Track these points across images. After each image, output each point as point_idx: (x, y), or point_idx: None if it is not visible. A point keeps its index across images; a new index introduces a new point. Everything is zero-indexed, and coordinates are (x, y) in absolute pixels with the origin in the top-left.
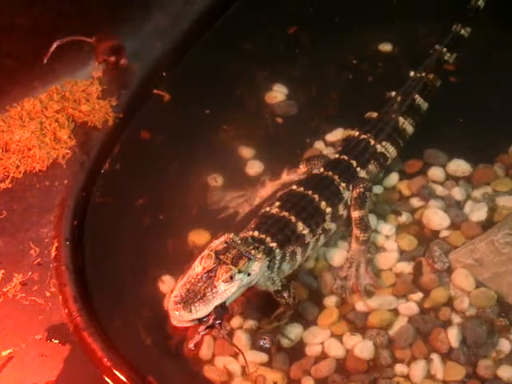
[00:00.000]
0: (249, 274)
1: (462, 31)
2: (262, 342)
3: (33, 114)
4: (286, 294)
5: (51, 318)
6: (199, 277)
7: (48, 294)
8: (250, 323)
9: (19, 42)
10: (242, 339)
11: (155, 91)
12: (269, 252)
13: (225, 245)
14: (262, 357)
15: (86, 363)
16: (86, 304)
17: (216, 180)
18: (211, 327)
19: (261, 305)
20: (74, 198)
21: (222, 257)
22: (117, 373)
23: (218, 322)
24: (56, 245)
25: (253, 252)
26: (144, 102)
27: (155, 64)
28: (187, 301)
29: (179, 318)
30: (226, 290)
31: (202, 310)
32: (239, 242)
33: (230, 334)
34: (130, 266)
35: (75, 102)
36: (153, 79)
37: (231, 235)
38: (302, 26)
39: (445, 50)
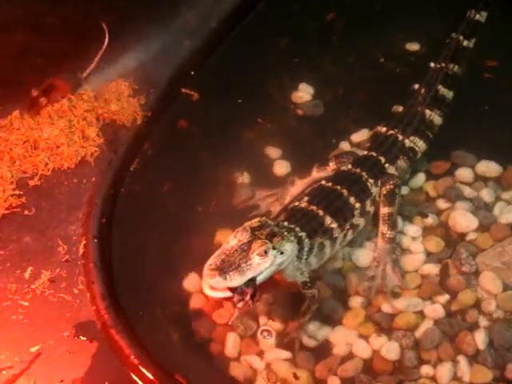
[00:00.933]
0: (281, 253)
1: (478, 16)
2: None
3: (61, 113)
4: (312, 286)
5: (79, 315)
6: (234, 249)
7: (76, 291)
8: (275, 323)
9: (49, 40)
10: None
11: (183, 90)
12: (298, 240)
13: (259, 223)
14: (287, 355)
15: (114, 360)
16: (114, 301)
17: (243, 178)
18: (242, 300)
19: (286, 305)
20: (102, 196)
21: (257, 232)
22: (144, 370)
23: (248, 296)
24: (84, 242)
25: (285, 233)
26: (172, 100)
27: (183, 62)
28: (222, 269)
29: (213, 284)
30: (259, 264)
31: (236, 279)
32: (272, 223)
33: (255, 332)
34: (156, 264)
35: (105, 102)
36: (181, 78)
37: (264, 217)
38: (326, 26)
39: (461, 37)
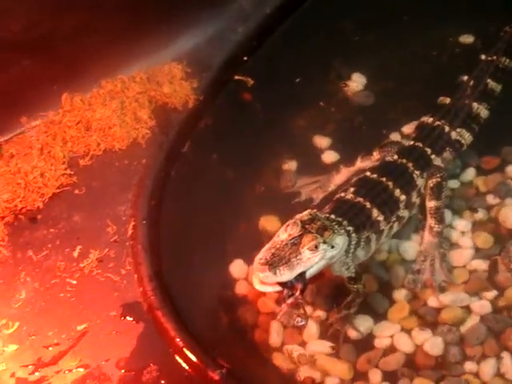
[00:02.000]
0: (332, 247)
1: None
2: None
3: (114, 94)
4: (358, 281)
5: (126, 296)
6: (284, 243)
7: (123, 271)
8: (319, 313)
9: (106, 19)
10: (310, 328)
11: (237, 77)
12: (347, 234)
13: (310, 216)
14: (329, 347)
15: (159, 342)
16: (161, 284)
17: (289, 165)
18: (292, 295)
19: (330, 296)
20: (152, 178)
21: (307, 226)
22: (188, 353)
23: (298, 290)
24: (133, 223)
25: (336, 227)
26: (224, 85)
27: (237, 48)
28: (272, 263)
29: (263, 279)
30: (309, 258)
31: (286, 273)
32: (322, 217)
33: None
34: (203, 248)
35: (157, 84)
36: (234, 63)
37: (315, 210)
38: (381, 17)
39: None
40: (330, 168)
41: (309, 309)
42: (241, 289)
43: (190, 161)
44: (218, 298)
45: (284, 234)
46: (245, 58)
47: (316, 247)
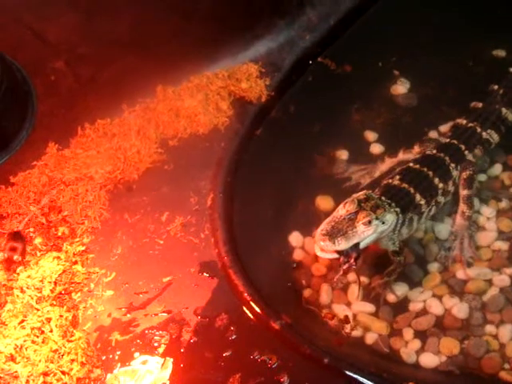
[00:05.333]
0: (383, 223)
1: None
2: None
3: (200, 88)
4: (400, 254)
5: (204, 256)
6: (342, 218)
7: (202, 235)
8: (364, 278)
9: (197, 25)
10: (354, 292)
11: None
12: (395, 213)
13: (365, 196)
14: (371, 308)
15: (229, 295)
16: (233, 247)
17: (341, 154)
18: (347, 262)
19: (374, 264)
20: (229, 159)
21: (362, 204)
22: (254, 305)
23: (352, 259)
24: (211, 196)
25: (387, 207)
26: (292, 84)
27: (304, 52)
28: (331, 234)
29: (324, 247)
30: (363, 232)
31: (342, 243)
32: (376, 197)
33: (346, 286)
34: (268, 219)
35: (236, 80)
36: (301, 65)
37: (370, 191)
38: (426, 30)
39: None
40: (376, 158)
41: (353, 275)
42: (297, 255)
43: (260, 145)
44: (279, 262)
45: (342, 210)
46: (310, 62)
47: (369, 222)
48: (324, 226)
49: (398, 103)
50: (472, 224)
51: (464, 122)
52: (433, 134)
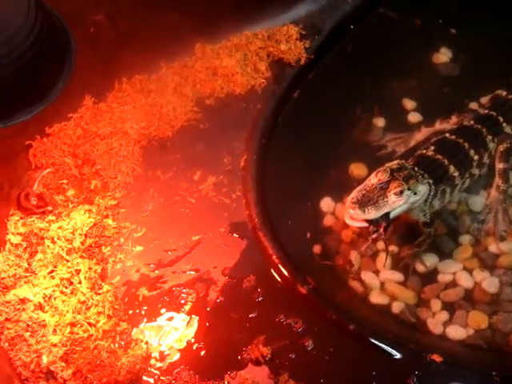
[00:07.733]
0: (415, 194)
1: None
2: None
3: (239, 47)
4: (431, 225)
5: (234, 216)
6: (374, 187)
7: (234, 196)
8: (393, 248)
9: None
10: (383, 260)
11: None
12: (428, 185)
13: (398, 166)
14: (399, 277)
15: (258, 257)
16: (264, 209)
17: (378, 121)
18: (376, 232)
19: (404, 234)
20: (264, 121)
21: (395, 174)
22: (282, 268)
23: (382, 228)
24: (245, 157)
25: (420, 177)
26: (331, 47)
27: (345, 17)
28: (362, 203)
29: (353, 215)
30: (394, 202)
31: (372, 212)
32: (409, 167)
33: (375, 253)
34: (300, 184)
35: (276, 42)
36: (341, 30)
37: (403, 160)
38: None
39: None
40: (412, 127)
41: (383, 244)
42: (328, 221)
43: (296, 109)
44: (309, 227)
45: (374, 178)
46: (351, 27)
47: (401, 192)
48: (355, 193)
49: (439, 73)
50: (507, 198)
51: (504, 93)
52: (473, 106)
